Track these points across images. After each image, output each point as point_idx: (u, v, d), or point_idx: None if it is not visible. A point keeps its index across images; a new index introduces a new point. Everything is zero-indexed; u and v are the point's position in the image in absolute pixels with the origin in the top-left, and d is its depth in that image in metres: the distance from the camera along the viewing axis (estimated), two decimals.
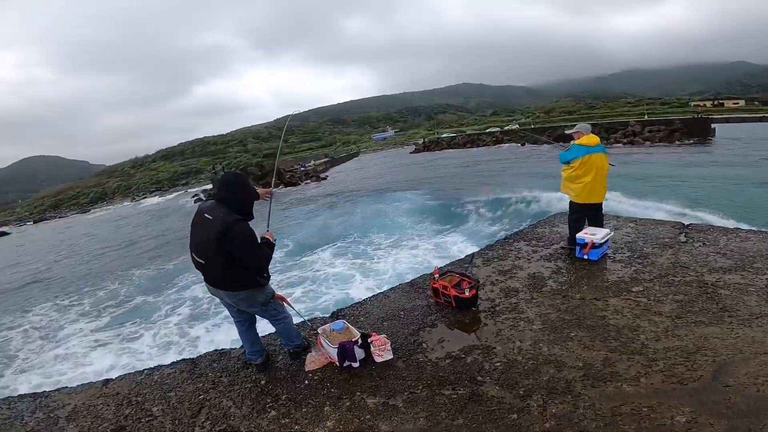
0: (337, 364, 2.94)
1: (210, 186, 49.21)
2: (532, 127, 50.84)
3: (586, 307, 3.27)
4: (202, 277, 2.82)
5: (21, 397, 3.32)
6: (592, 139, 4.25)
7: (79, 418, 2.88)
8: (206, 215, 2.62)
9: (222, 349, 3.60)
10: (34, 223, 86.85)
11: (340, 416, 2.49)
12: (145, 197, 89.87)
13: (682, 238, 4.35)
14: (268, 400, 2.76)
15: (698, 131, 31.92)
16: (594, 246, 3.91)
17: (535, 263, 4.27)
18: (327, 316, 3.94)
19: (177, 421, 2.69)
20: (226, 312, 3.20)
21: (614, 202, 11.01)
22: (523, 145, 42.97)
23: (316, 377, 2.92)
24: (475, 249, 5.03)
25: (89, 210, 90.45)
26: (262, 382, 2.97)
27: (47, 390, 3.35)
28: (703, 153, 26.23)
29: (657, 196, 12.74)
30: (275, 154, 52.46)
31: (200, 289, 9.78)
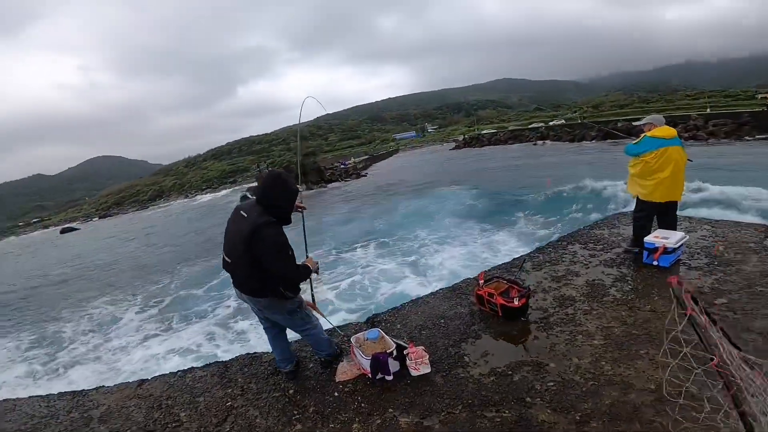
0: (369, 376, 2.71)
1: (255, 184, 51.07)
2: (579, 122, 47.97)
3: (659, 321, 2.80)
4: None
5: (61, 395, 3.40)
6: (668, 131, 3.71)
7: (111, 420, 2.88)
8: (242, 212, 2.49)
9: (254, 353, 3.53)
10: (99, 218, 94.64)
11: None
12: (197, 195, 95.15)
13: None
14: (295, 412, 2.59)
15: None
16: (666, 251, 3.39)
17: (593, 269, 3.80)
18: (362, 322, 3.72)
19: (202, 429, 2.59)
20: None
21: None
22: (572, 141, 40.47)
23: (346, 389, 2.73)
24: (526, 251, 4.59)
25: (148, 207, 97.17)
26: (291, 392, 2.83)
27: (86, 389, 3.42)
28: None
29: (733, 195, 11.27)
30: (316, 153, 53.38)
31: None
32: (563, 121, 57.91)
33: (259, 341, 6.63)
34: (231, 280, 2.68)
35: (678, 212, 4.05)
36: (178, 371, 3.41)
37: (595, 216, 10.77)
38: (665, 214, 3.83)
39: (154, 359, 7.58)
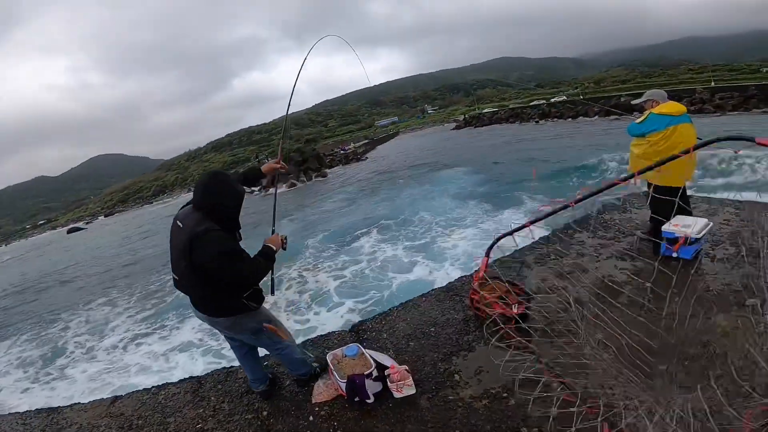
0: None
1: None
2: (581, 98, 46.80)
3: (681, 328, 2.40)
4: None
5: (38, 412, 3.36)
6: (676, 107, 3.25)
7: None
8: (178, 223, 2.09)
9: (230, 367, 3.30)
10: (105, 216, 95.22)
11: None
12: None
13: None
14: None
15: None
16: (687, 241, 2.95)
17: (604, 262, 3.37)
18: (346, 330, 3.35)
19: None
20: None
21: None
22: (575, 117, 39.51)
23: (323, 412, 2.43)
24: (528, 241, 4.12)
25: (152, 202, 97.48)
26: (264, 413, 2.58)
27: (61, 406, 3.37)
28: None
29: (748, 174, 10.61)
30: (316, 139, 52.85)
31: None
32: (564, 97, 56.68)
33: None
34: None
35: (695, 193, 3.60)
36: (152, 387, 3.29)
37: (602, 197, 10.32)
38: (677, 197, 3.39)
39: (152, 358, 7.41)
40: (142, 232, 35.78)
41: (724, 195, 4.62)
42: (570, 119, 39.88)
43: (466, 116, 67.59)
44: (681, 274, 2.94)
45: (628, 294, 2.83)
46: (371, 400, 2.36)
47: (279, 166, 2.70)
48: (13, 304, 17.62)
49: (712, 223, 3.20)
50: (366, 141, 67.87)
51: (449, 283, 3.71)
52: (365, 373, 2.34)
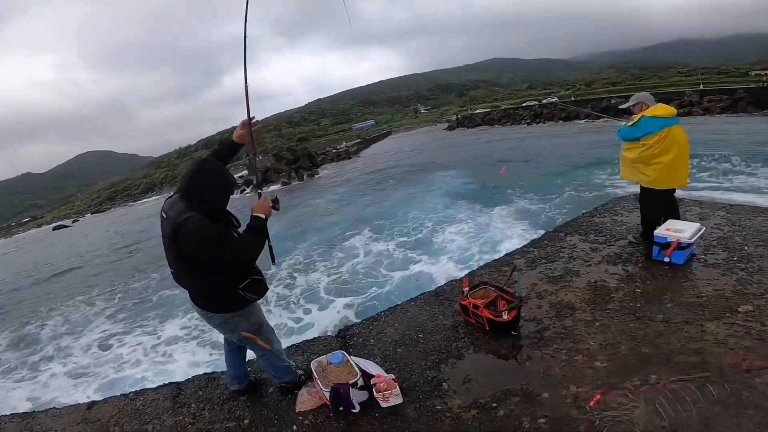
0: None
1: (245, 173, 50.02)
2: (573, 99, 47.22)
3: (673, 334, 2.36)
4: None
5: (12, 416, 3.26)
6: (668, 109, 3.24)
7: None
8: (163, 214, 1.99)
9: (212, 372, 3.21)
10: (92, 214, 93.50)
11: None
12: None
13: None
14: None
15: (767, 102, 28.13)
16: (680, 246, 2.91)
17: (595, 267, 3.32)
18: (332, 336, 3.26)
19: None
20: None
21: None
22: (566, 119, 39.85)
23: (306, 421, 2.35)
24: (523, 242, 4.05)
25: (140, 200, 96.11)
26: (246, 422, 2.49)
27: (37, 411, 3.29)
28: None
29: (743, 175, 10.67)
30: (308, 138, 52.50)
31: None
32: (556, 99, 57.14)
33: None
34: None
35: (687, 196, 3.58)
36: (130, 393, 3.18)
37: (591, 196, 10.35)
38: (669, 201, 3.37)
39: (130, 363, 7.15)
40: (133, 230, 35.23)
41: (715, 195, 4.62)
42: (561, 121, 40.22)
43: (459, 116, 67.70)
44: (673, 279, 2.91)
45: (619, 300, 2.78)
46: (357, 410, 2.28)
47: (251, 128, 2.35)
48: None
49: (704, 228, 3.18)
50: (359, 140, 67.73)
51: (438, 287, 3.64)
52: (350, 382, 2.26)
